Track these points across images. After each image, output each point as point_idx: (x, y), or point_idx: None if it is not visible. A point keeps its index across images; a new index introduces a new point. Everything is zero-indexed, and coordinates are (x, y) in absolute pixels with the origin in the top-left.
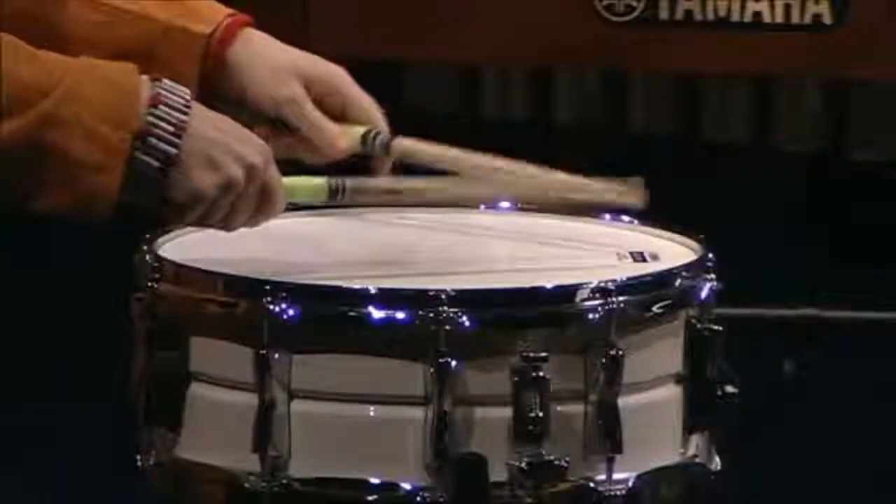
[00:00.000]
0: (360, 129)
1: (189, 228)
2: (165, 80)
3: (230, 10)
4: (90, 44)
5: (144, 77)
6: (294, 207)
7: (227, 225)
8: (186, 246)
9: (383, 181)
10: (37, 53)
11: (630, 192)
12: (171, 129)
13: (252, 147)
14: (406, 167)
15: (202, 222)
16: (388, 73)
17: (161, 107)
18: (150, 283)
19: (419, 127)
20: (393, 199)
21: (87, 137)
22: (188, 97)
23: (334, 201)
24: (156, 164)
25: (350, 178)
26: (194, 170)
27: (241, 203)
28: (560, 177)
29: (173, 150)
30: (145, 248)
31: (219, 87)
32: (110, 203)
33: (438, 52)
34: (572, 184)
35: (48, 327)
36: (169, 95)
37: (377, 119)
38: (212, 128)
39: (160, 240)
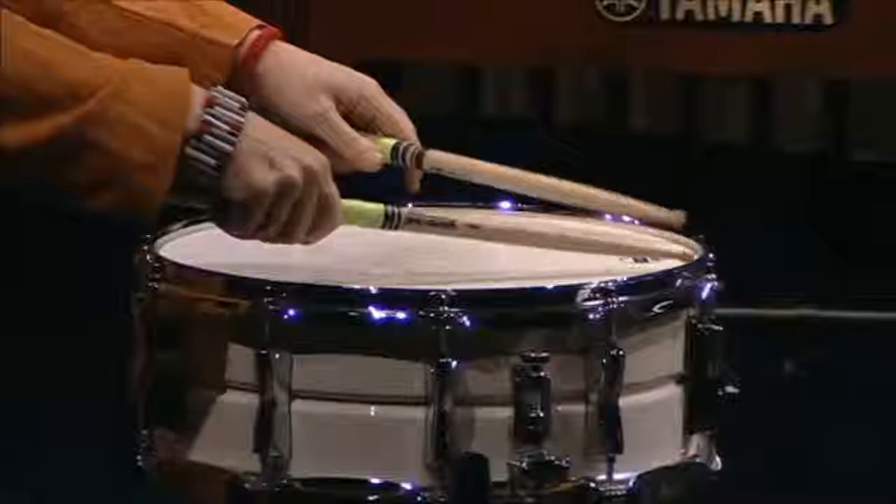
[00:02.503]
0: (391, 141)
1: (189, 228)
2: (220, 87)
3: (258, 22)
4: (116, 50)
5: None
6: None
7: (287, 234)
8: (186, 246)
9: (438, 213)
10: (86, 52)
11: (670, 222)
12: (227, 127)
13: (310, 153)
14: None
15: (263, 230)
16: (388, 73)
17: (217, 107)
18: (150, 283)
19: (419, 127)
20: (446, 232)
21: (133, 137)
22: (244, 102)
23: (388, 228)
24: (212, 161)
25: (406, 207)
26: (252, 167)
27: (301, 210)
28: (597, 193)
29: (229, 148)
30: (145, 248)
31: (247, 98)
32: (157, 204)
33: (438, 52)
34: (612, 202)
35: (48, 327)
36: (224, 98)
37: (407, 129)
38: (269, 131)
39: (160, 240)
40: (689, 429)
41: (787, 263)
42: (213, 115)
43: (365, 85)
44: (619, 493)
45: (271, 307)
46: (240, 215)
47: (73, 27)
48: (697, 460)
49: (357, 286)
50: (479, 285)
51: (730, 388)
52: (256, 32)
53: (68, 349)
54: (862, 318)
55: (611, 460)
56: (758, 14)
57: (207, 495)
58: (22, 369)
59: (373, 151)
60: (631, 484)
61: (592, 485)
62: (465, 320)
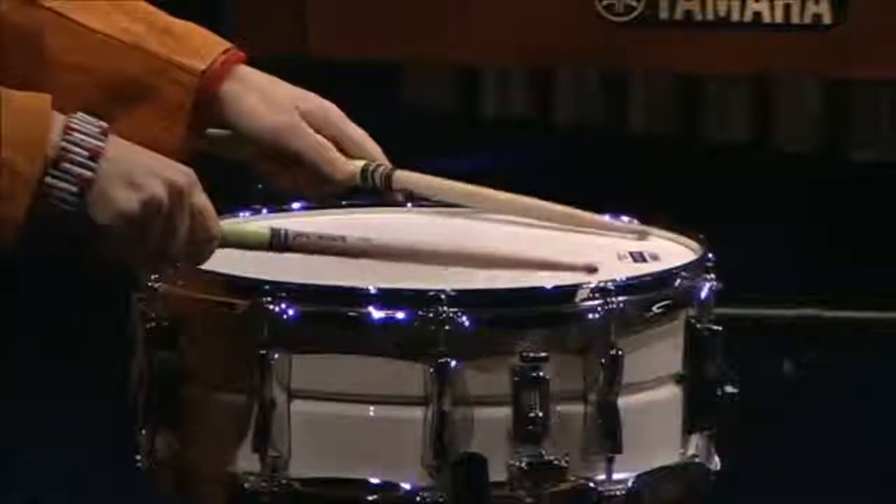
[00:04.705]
0: (359, 164)
1: None
2: (80, 113)
3: (226, 45)
4: (81, 70)
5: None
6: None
7: (164, 254)
8: None
9: (326, 233)
10: None
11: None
12: (85, 153)
13: (173, 168)
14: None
15: (139, 253)
16: (388, 73)
17: (75, 134)
18: (150, 283)
19: (419, 127)
20: (336, 247)
21: None
22: (105, 126)
23: (276, 249)
24: (73, 188)
25: (293, 227)
26: (114, 190)
27: (173, 227)
28: (562, 210)
29: (89, 174)
30: None
31: (211, 120)
32: (14, 233)
33: (438, 52)
34: (579, 219)
35: (48, 327)
36: (83, 124)
37: (373, 150)
38: (130, 152)
39: None
40: (689, 429)
41: (787, 263)
42: (71, 142)
43: (328, 109)
44: (618, 493)
45: (270, 307)
46: (112, 241)
47: (45, 48)
48: (696, 460)
49: (356, 286)
50: (478, 285)
51: (729, 388)
52: (223, 56)
53: (68, 349)
54: (862, 318)
55: (610, 460)
56: (757, 14)
57: (207, 495)
58: (22, 370)
59: (344, 159)
60: (630, 484)
61: (591, 485)
62: (465, 320)
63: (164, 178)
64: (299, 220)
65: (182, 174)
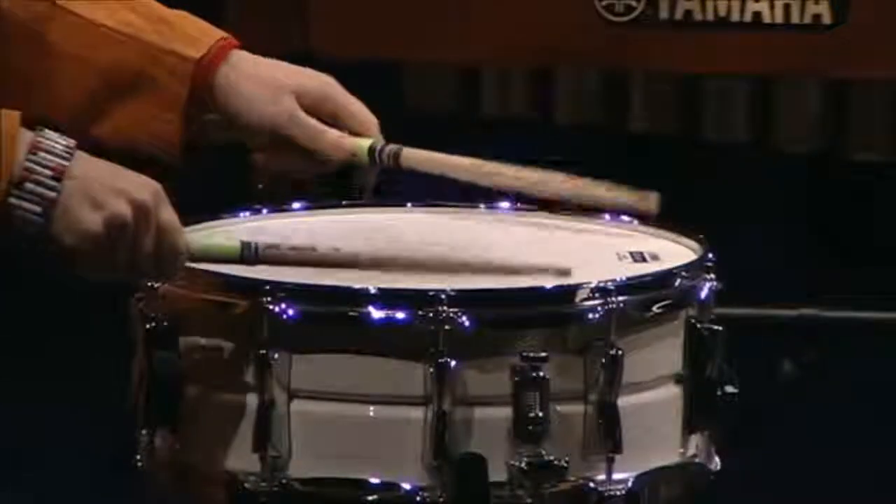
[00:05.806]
0: (366, 142)
1: (188, 228)
2: (47, 130)
3: (222, 34)
4: (82, 62)
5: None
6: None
7: (131, 268)
8: None
9: (296, 244)
10: None
11: (645, 202)
12: (49, 173)
13: (137, 184)
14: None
15: (107, 270)
16: (388, 73)
17: (40, 153)
18: (150, 283)
19: (419, 127)
20: (308, 257)
21: None
22: (71, 144)
23: (248, 261)
24: (36, 208)
25: (263, 242)
26: (77, 211)
27: (140, 243)
28: (572, 181)
29: (52, 194)
30: None
31: (208, 110)
32: None
33: (438, 52)
34: (586, 188)
35: (48, 327)
36: (49, 142)
37: (370, 122)
38: (95, 170)
39: None
40: (689, 429)
41: (787, 263)
42: (35, 162)
43: (326, 83)
44: (618, 492)
45: (270, 307)
46: (81, 260)
47: (43, 42)
48: (696, 460)
49: (356, 286)
50: (478, 285)
51: (729, 388)
52: (220, 44)
53: (68, 350)
54: (862, 318)
55: (610, 460)
56: (757, 14)
57: (207, 496)
58: (22, 370)
59: (342, 139)
60: (630, 484)
61: (591, 485)
62: (465, 320)
63: (129, 197)
64: (298, 220)
65: (146, 190)
